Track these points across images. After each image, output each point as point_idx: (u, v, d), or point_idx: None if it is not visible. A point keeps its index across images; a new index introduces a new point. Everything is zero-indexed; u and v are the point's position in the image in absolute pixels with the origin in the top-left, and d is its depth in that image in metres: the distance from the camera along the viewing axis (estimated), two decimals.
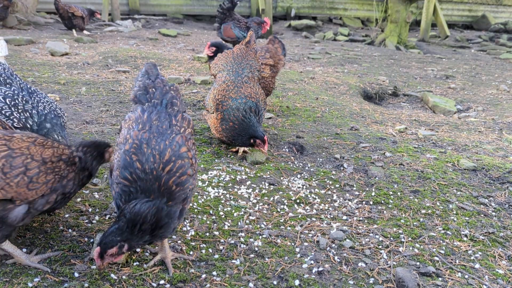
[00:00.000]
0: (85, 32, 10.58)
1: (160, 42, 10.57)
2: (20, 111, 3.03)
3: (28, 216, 2.28)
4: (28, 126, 3.02)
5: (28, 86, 3.27)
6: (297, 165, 4.03)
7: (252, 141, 3.82)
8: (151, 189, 2.15)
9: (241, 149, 4.14)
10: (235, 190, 3.46)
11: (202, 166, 3.80)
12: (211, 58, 5.14)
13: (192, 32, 13.05)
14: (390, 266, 2.61)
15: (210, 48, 5.17)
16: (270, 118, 5.18)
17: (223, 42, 5.20)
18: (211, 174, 3.67)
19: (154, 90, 2.53)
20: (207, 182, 3.52)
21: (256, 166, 3.91)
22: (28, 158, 2.23)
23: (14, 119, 2.98)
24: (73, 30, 10.40)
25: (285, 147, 4.37)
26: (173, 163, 2.21)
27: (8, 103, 3.02)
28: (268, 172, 3.80)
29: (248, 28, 8.53)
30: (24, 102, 3.09)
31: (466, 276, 2.57)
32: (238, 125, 3.84)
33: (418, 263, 2.65)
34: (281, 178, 3.74)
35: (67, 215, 2.89)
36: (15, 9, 11.50)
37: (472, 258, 2.76)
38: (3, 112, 2.97)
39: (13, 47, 7.87)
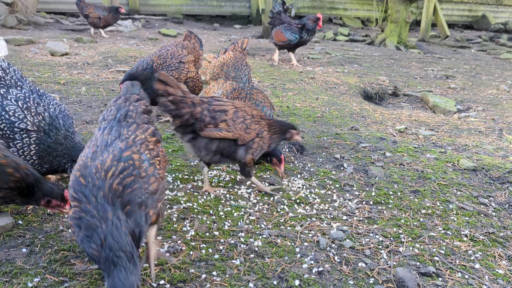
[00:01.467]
0: (99, 31, 10.63)
1: (160, 42, 10.56)
2: (33, 114, 3.02)
3: (247, 154, 3.26)
4: (41, 128, 3.02)
5: (37, 89, 3.26)
6: (297, 165, 4.03)
7: (268, 158, 3.68)
8: (99, 214, 1.94)
9: None
10: (235, 190, 3.46)
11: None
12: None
13: None
14: (390, 266, 2.61)
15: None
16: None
17: (131, 72, 4.53)
18: (211, 174, 3.67)
19: (112, 108, 2.46)
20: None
21: (256, 166, 3.91)
22: (244, 113, 3.26)
23: (28, 122, 2.97)
24: (92, 28, 10.68)
25: (285, 147, 4.37)
26: (114, 168, 2.07)
27: (21, 105, 3.01)
28: (268, 172, 3.80)
29: (302, 29, 8.35)
30: (36, 104, 3.07)
31: (466, 276, 2.57)
32: None
33: (418, 263, 2.65)
34: (281, 178, 3.74)
35: (67, 215, 2.89)
36: (15, 9, 11.50)
37: (472, 258, 2.76)
38: (17, 115, 2.96)
39: (13, 47, 7.87)
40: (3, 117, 2.93)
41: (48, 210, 2.91)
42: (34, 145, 2.97)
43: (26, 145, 2.96)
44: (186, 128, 3.15)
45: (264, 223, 3.01)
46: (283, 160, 3.60)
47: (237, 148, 3.22)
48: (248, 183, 3.57)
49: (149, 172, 2.19)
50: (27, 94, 3.09)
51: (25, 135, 2.93)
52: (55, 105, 3.22)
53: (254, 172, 3.43)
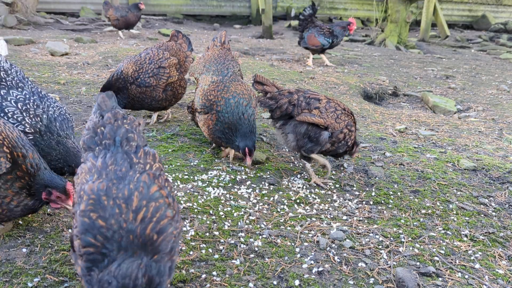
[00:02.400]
0: (123, 31, 10.67)
1: (160, 42, 10.57)
2: (31, 116, 3.01)
3: (328, 141, 3.48)
4: (38, 130, 3.01)
5: (39, 90, 3.26)
6: (297, 165, 4.03)
7: (240, 151, 3.68)
8: (128, 246, 1.71)
9: (231, 153, 4.05)
10: (235, 190, 3.46)
11: (202, 166, 3.80)
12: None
13: (192, 32, 13.05)
14: (390, 266, 2.61)
15: None
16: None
17: (108, 81, 4.40)
18: (211, 174, 3.67)
19: (103, 129, 2.08)
20: (207, 182, 3.52)
21: (256, 166, 3.91)
22: (336, 105, 3.53)
23: (26, 124, 2.96)
24: (119, 31, 10.69)
25: (285, 147, 4.37)
26: (145, 208, 1.79)
27: (20, 107, 3.00)
28: (268, 172, 3.80)
29: (332, 34, 8.44)
30: (35, 106, 3.06)
31: (466, 276, 2.57)
32: (230, 129, 3.72)
33: (418, 263, 2.65)
34: (281, 178, 3.74)
35: (67, 215, 2.89)
36: (15, 9, 11.50)
37: (472, 258, 2.76)
38: (15, 117, 2.96)
39: (13, 47, 7.87)
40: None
41: (49, 208, 2.91)
42: None
43: None
44: (284, 116, 3.55)
45: (264, 223, 3.01)
46: (248, 153, 3.61)
47: (324, 133, 3.48)
48: (248, 183, 3.57)
49: (176, 208, 1.97)
50: (27, 96, 3.08)
51: None
52: (55, 107, 3.21)
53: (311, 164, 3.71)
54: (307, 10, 8.73)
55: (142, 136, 2.17)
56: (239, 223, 2.97)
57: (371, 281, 2.47)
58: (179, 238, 1.97)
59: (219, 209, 3.14)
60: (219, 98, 3.79)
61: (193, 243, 2.71)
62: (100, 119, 2.13)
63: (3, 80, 3.10)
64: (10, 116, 2.95)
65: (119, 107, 2.27)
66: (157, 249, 1.76)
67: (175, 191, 3.32)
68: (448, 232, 3.04)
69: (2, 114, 2.95)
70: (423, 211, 3.30)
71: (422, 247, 2.83)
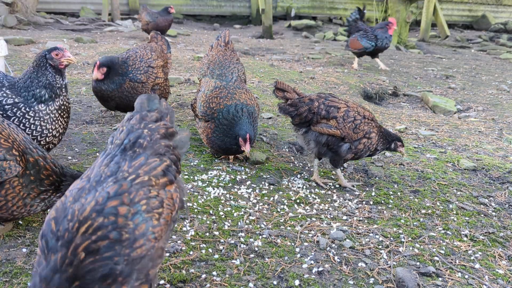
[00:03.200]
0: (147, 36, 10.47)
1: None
2: (10, 87, 3.08)
3: (349, 153, 3.45)
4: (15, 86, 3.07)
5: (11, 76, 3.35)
6: (297, 165, 4.03)
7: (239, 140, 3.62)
8: (56, 265, 1.56)
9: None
10: (235, 190, 3.46)
11: (202, 166, 3.81)
12: (102, 81, 4.26)
13: (192, 32, 13.05)
14: (390, 266, 2.61)
15: (101, 69, 4.18)
16: (270, 118, 5.18)
17: (115, 59, 4.30)
18: (211, 174, 3.67)
19: (123, 129, 2.04)
20: (207, 182, 3.52)
21: (256, 166, 3.91)
22: (356, 113, 3.44)
23: (12, 96, 3.04)
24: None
25: (285, 147, 4.37)
26: (91, 222, 1.60)
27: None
28: (268, 172, 3.80)
29: (376, 37, 8.38)
30: (8, 78, 3.14)
31: (466, 276, 2.57)
32: (227, 126, 3.66)
33: (418, 263, 2.65)
34: (281, 178, 3.74)
35: None
36: (15, 9, 11.51)
37: (472, 258, 2.77)
38: (0, 94, 3.03)
39: (13, 47, 7.87)
40: None
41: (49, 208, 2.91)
42: (28, 114, 3.02)
43: (21, 117, 2.99)
44: (304, 123, 3.52)
45: (264, 223, 3.01)
46: (248, 140, 3.55)
47: (342, 145, 3.46)
48: (248, 183, 3.57)
49: (138, 232, 1.67)
50: (1, 78, 3.17)
51: (16, 108, 2.97)
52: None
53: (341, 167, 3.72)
54: (353, 15, 8.63)
55: (157, 144, 1.98)
56: (239, 223, 2.97)
57: (371, 281, 2.47)
58: (135, 267, 1.66)
59: (219, 209, 3.14)
60: (221, 106, 3.73)
61: (193, 243, 2.71)
62: (129, 118, 2.09)
63: None
64: None
65: (164, 109, 2.14)
66: (80, 273, 1.56)
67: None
68: (448, 232, 3.04)
69: None
70: (423, 211, 3.30)
71: (422, 247, 2.83)
